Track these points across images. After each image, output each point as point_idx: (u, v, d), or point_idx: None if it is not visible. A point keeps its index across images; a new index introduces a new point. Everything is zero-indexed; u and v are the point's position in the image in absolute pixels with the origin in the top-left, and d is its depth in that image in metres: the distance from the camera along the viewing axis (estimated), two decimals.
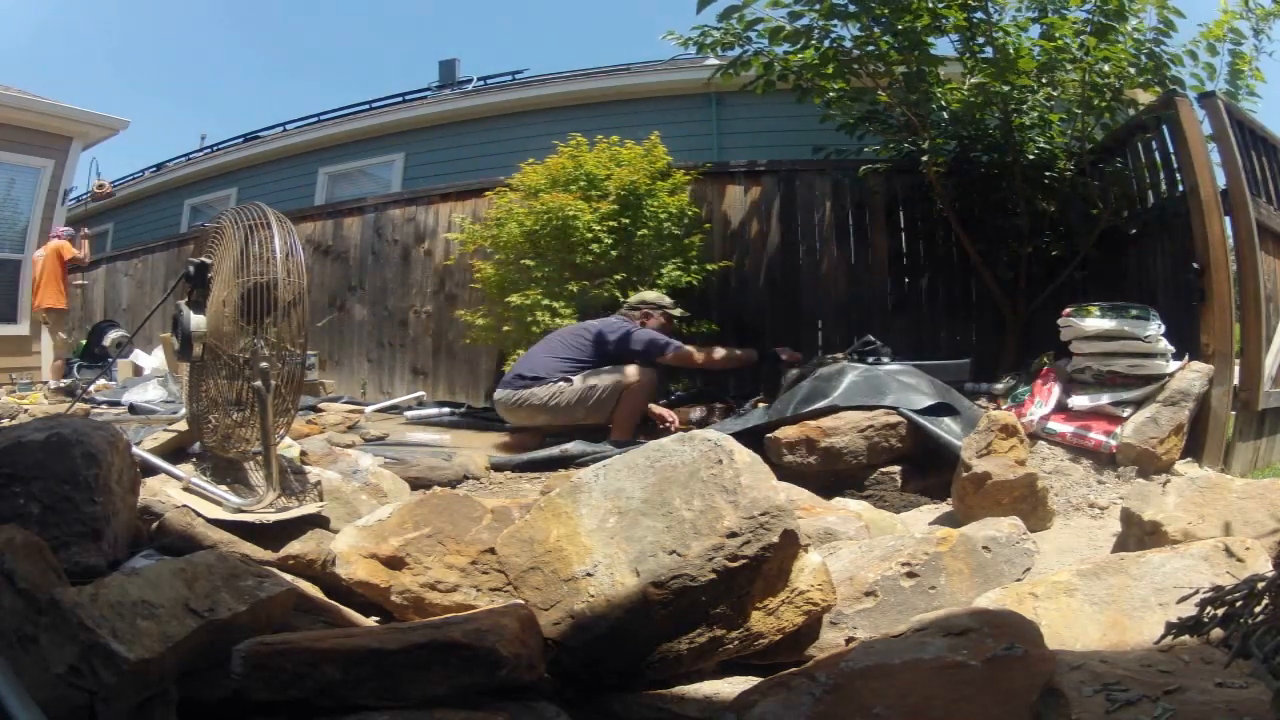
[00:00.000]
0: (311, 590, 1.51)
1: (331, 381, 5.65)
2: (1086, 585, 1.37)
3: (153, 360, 5.71)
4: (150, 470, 1.96)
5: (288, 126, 9.06)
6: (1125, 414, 2.68)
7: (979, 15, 3.66)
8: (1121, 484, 2.53)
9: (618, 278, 4.30)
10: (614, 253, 4.27)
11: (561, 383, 3.54)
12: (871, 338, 3.28)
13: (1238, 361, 2.93)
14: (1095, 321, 2.81)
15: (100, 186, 7.40)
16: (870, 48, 3.89)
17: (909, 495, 2.62)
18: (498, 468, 2.97)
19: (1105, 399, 2.73)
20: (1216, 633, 1.02)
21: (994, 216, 4.20)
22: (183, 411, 2.50)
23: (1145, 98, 3.82)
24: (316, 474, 2.11)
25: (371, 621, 1.47)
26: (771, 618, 1.26)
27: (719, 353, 3.87)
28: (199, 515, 1.70)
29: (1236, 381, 2.87)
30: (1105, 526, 2.23)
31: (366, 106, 8.62)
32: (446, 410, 4.55)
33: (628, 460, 1.38)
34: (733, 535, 1.19)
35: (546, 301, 4.21)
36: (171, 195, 9.73)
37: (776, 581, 1.27)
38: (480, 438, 3.83)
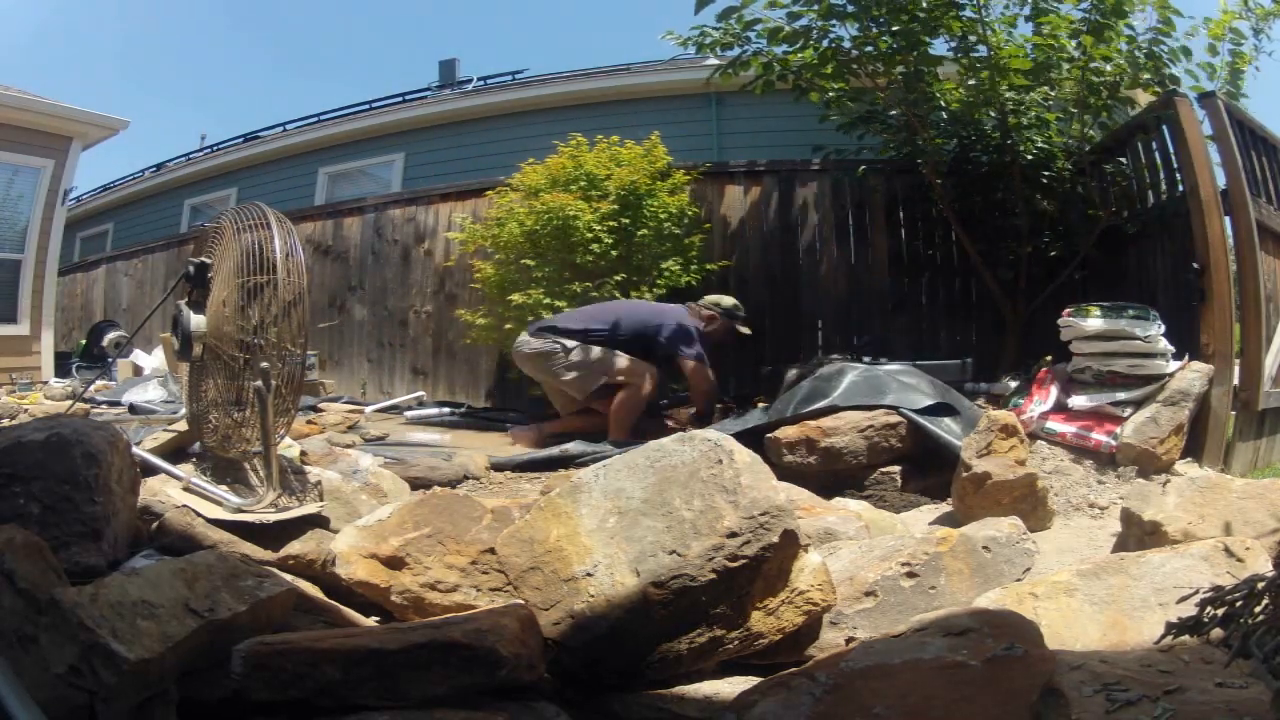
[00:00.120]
0: (311, 590, 1.51)
1: (331, 381, 5.65)
2: (1086, 585, 1.37)
3: (153, 360, 5.71)
4: (150, 470, 1.96)
5: (288, 126, 9.05)
6: (1125, 414, 2.68)
7: (968, 13, 3.66)
8: (1121, 484, 2.53)
9: (618, 278, 4.30)
10: (614, 253, 4.27)
11: (567, 341, 3.54)
12: (870, 338, 3.28)
13: (1238, 361, 2.93)
14: (1095, 321, 2.81)
15: None
16: (869, 48, 3.89)
17: (909, 495, 2.62)
18: (498, 468, 2.97)
19: (1105, 399, 2.73)
20: (1216, 633, 1.02)
21: (993, 216, 4.20)
22: (183, 411, 2.50)
23: (1144, 97, 3.82)
24: (316, 474, 2.11)
25: (371, 621, 1.47)
26: (771, 618, 1.26)
27: (708, 393, 3.76)
28: (199, 515, 1.70)
29: (1236, 381, 2.88)
30: (1105, 526, 2.23)
31: (366, 106, 8.62)
32: (446, 410, 4.55)
33: (628, 460, 1.38)
34: (733, 535, 1.19)
35: (548, 301, 4.21)
36: (171, 195, 9.73)
37: (776, 581, 1.27)
38: (480, 438, 3.84)
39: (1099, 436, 2.66)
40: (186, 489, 1.88)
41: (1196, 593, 1.08)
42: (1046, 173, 3.98)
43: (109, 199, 10.51)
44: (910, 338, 4.60)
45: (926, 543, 1.60)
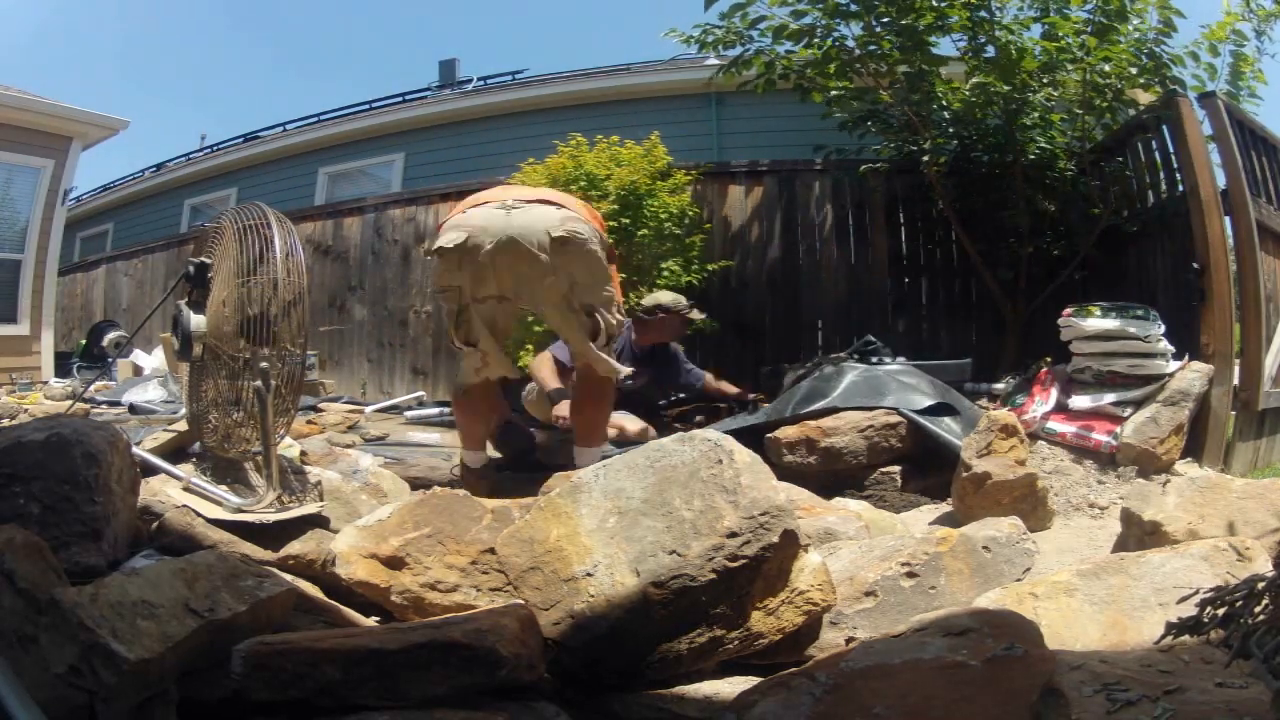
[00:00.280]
0: (311, 590, 1.51)
1: (331, 381, 5.66)
2: (1086, 585, 1.37)
3: (153, 360, 5.71)
4: (150, 470, 1.96)
5: (288, 126, 9.06)
6: (1125, 414, 2.68)
7: (982, 14, 3.66)
8: (1121, 484, 2.53)
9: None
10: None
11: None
12: (871, 338, 3.28)
13: (1238, 361, 2.93)
14: (1095, 321, 2.81)
15: None
16: (873, 47, 3.90)
17: (909, 495, 2.62)
18: (498, 468, 2.97)
19: (1105, 399, 2.73)
20: (1216, 633, 1.02)
21: (994, 216, 4.20)
22: (183, 411, 2.50)
23: (1146, 98, 3.82)
24: (316, 474, 2.10)
25: (371, 621, 1.47)
26: (771, 618, 1.26)
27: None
28: (199, 515, 1.70)
29: (1236, 381, 2.88)
30: (1105, 526, 2.23)
31: (366, 106, 8.63)
32: (446, 410, 4.55)
33: (628, 460, 1.38)
34: (733, 535, 1.19)
35: None
36: (171, 195, 9.73)
37: (776, 581, 1.27)
38: None
39: (1099, 436, 2.66)
40: (186, 489, 1.88)
41: (1197, 593, 1.08)
42: (1049, 173, 3.98)
43: (109, 199, 10.52)
44: (910, 338, 4.60)
45: (926, 543, 1.60)
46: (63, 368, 6.59)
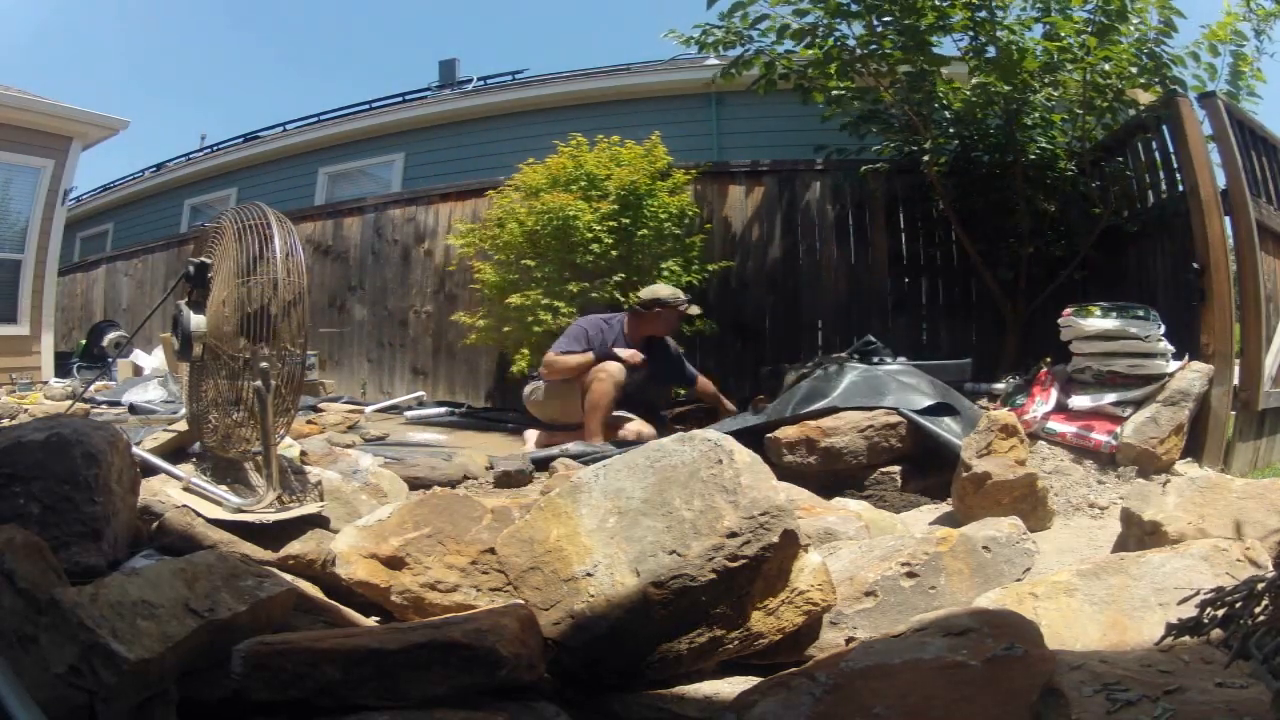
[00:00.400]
0: (311, 590, 1.51)
1: (331, 381, 5.66)
2: (1086, 585, 1.37)
3: (153, 360, 5.72)
4: (150, 470, 1.96)
5: (288, 126, 9.06)
6: (1125, 414, 2.68)
7: (982, 14, 3.66)
8: (1121, 484, 2.53)
9: (618, 278, 4.30)
10: (614, 253, 4.27)
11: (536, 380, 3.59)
12: (872, 338, 3.28)
13: (1238, 361, 2.93)
14: (1096, 321, 2.81)
15: None
16: (874, 47, 3.90)
17: (909, 495, 2.62)
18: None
19: (1105, 399, 2.73)
20: (1216, 633, 1.02)
21: (994, 216, 4.20)
22: (183, 412, 2.50)
23: (1146, 98, 3.82)
24: (316, 474, 2.11)
25: (371, 621, 1.47)
26: (771, 618, 1.26)
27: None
28: (199, 515, 1.70)
29: (1236, 381, 2.87)
30: (1105, 526, 2.23)
31: (366, 106, 8.62)
32: (446, 410, 4.56)
33: (628, 460, 1.38)
34: (733, 535, 1.19)
35: (547, 301, 4.21)
36: (171, 195, 9.73)
37: (776, 581, 1.27)
38: (480, 438, 3.84)
39: (1099, 436, 2.66)
40: (186, 489, 1.88)
41: (1197, 593, 1.08)
42: (1049, 173, 3.98)
43: (109, 199, 10.51)
44: (910, 337, 4.60)
45: (926, 543, 1.60)
46: (63, 368, 6.59)
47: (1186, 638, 1.06)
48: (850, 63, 4.03)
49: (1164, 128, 3.34)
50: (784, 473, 2.52)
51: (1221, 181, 3.00)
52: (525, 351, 4.29)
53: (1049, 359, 3.18)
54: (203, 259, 2.11)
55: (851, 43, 3.96)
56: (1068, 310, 2.93)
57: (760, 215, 5.10)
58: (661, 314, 3.64)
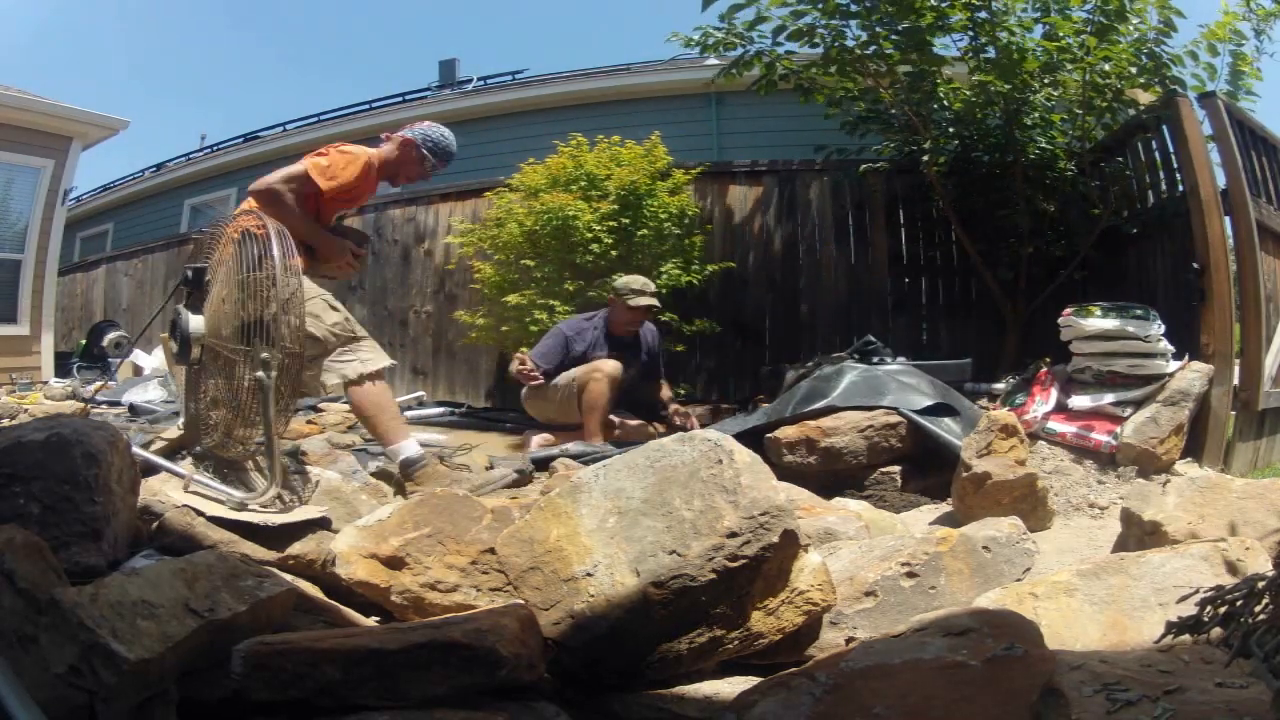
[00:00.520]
0: (311, 590, 1.51)
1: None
2: (1086, 585, 1.37)
3: (153, 360, 5.71)
4: (150, 470, 1.96)
5: (288, 126, 9.07)
6: (1125, 414, 2.68)
7: (983, 15, 3.67)
8: (1121, 484, 2.53)
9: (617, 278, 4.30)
10: (614, 253, 4.28)
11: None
12: (872, 338, 3.28)
13: (1238, 361, 2.93)
14: (1096, 321, 2.81)
15: None
16: (873, 47, 3.90)
17: (909, 495, 2.62)
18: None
19: (1105, 399, 2.73)
20: (1216, 632, 1.02)
21: (994, 216, 4.20)
22: (181, 419, 2.49)
23: (1146, 98, 3.82)
24: (316, 474, 2.11)
25: (371, 621, 1.47)
26: (771, 618, 1.26)
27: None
28: (199, 514, 1.70)
29: (1236, 381, 2.87)
30: (1105, 526, 2.23)
31: (366, 106, 8.63)
32: (446, 410, 4.56)
33: (628, 460, 1.38)
34: (733, 535, 1.19)
35: (543, 300, 4.21)
36: (171, 195, 9.74)
37: (776, 581, 1.27)
38: (480, 438, 3.84)
39: (1099, 436, 2.66)
40: (188, 488, 1.88)
41: (1196, 592, 1.08)
42: (1049, 173, 3.98)
43: (109, 199, 10.52)
44: (910, 337, 4.60)
45: (926, 543, 1.60)
46: (63, 368, 6.58)
47: (1186, 637, 1.06)
48: (849, 63, 4.03)
49: (1164, 128, 3.34)
50: (784, 473, 2.52)
51: (1221, 181, 3.00)
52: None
53: (1048, 359, 3.18)
54: (200, 264, 2.11)
55: (851, 43, 3.96)
56: (1068, 310, 2.93)
57: (760, 215, 5.10)
58: (614, 304, 3.63)
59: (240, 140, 9.45)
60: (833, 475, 2.64)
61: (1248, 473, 2.82)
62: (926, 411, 2.73)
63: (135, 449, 1.85)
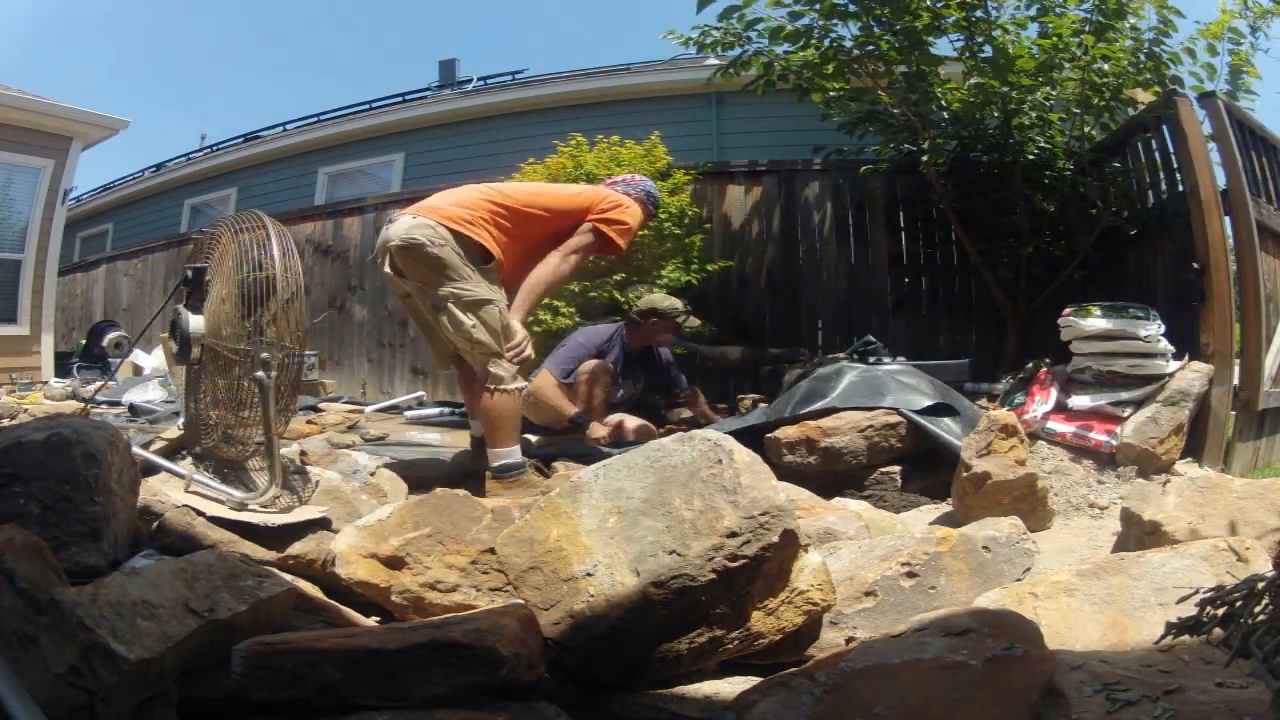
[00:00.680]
0: (311, 590, 1.51)
1: (331, 381, 5.66)
2: (1086, 585, 1.37)
3: (153, 360, 5.72)
4: (151, 470, 1.96)
5: (288, 126, 9.06)
6: (1125, 414, 2.68)
7: (978, 14, 3.67)
8: (1121, 484, 2.53)
9: (617, 278, 4.30)
10: None
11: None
12: (871, 338, 3.27)
13: (1238, 361, 2.93)
14: (1095, 321, 2.81)
15: None
16: (870, 47, 3.90)
17: (909, 495, 2.62)
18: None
19: (1105, 399, 2.73)
20: (1216, 633, 1.02)
21: (994, 216, 4.20)
22: (181, 420, 2.49)
23: (1145, 97, 3.82)
24: (316, 474, 2.11)
25: (371, 621, 1.47)
26: (771, 618, 1.26)
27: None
28: (199, 514, 1.70)
29: (1236, 381, 2.87)
30: (1105, 526, 2.23)
31: (366, 106, 8.63)
32: (447, 410, 4.55)
33: (628, 460, 1.38)
34: (733, 535, 1.19)
35: (547, 300, 4.21)
36: (171, 195, 9.74)
37: (776, 581, 1.27)
38: None
39: (1099, 436, 2.66)
40: (187, 488, 1.88)
41: (1196, 593, 1.08)
42: (1048, 173, 3.98)
43: (109, 199, 10.52)
44: (910, 337, 4.60)
45: (926, 543, 1.60)
46: (63, 368, 6.59)
47: (1186, 637, 1.06)
48: (847, 63, 4.03)
49: (1164, 127, 3.34)
50: (784, 473, 2.52)
51: (1221, 181, 3.00)
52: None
53: (1048, 359, 3.18)
54: (199, 264, 2.11)
55: (848, 43, 3.96)
56: (1067, 310, 2.93)
57: (760, 215, 5.10)
58: (657, 324, 3.60)
59: (240, 140, 9.45)
60: (833, 475, 2.64)
61: (1248, 473, 2.83)
62: (926, 411, 2.72)
63: (135, 449, 1.85)
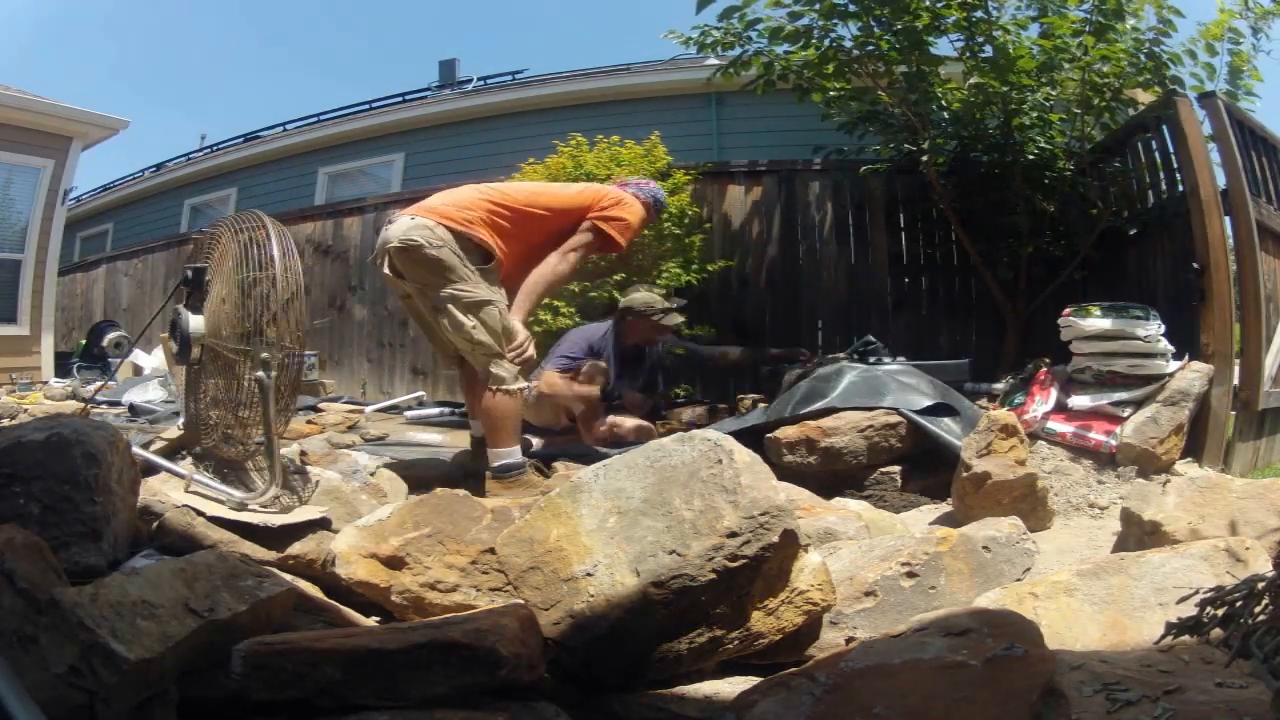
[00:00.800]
0: (311, 590, 1.51)
1: (331, 381, 5.66)
2: (1086, 585, 1.37)
3: (153, 360, 5.72)
4: (151, 470, 1.96)
5: (288, 126, 9.06)
6: (1125, 414, 2.67)
7: (979, 14, 3.67)
8: (1121, 484, 2.53)
9: (617, 277, 4.30)
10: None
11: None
12: (871, 338, 3.27)
13: (1238, 361, 2.93)
14: (1095, 321, 2.81)
15: None
16: (870, 47, 3.90)
17: (909, 495, 2.62)
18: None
19: (1105, 399, 2.73)
20: (1216, 633, 1.02)
21: (994, 216, 4.20)
22: (182, 419, 2.49)
23: (1145, 98, 3.82)
24: (316, 474, 2.11)
25: (371, 621, 1.47)
26: (771, 618, 1.26)
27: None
28: (199, 514, 1.70)
29: (1236, 381, 2.87)
30: (1105, 526, 2.23)
31: (366, 106, 8.63)
32: (447, 410, 4.55)
33: (628, 460, 1.38)
34: (733, 535, 1.19)
35: (547, 300, 4.21)
36: (171, 195, 9.74)
37: (776, 581, 1.27)
38: None
39: (1099, 436, 2.66)
40: (187, 488, 1.88)
41: (1196, 593, 1.08)
42: (1048, 173, 3.98)
43: (109, 199, 10.52)
44: (910, 337, 4.60)
45: (926, 543, 1.60)
46: (63, 368, 6.59)
47: (1186, 637, 1.06)
48: (847, 63, 4.03)
49: (1164, 128, 3.34)
50: (784, 473, 2.52)
51: (1221, 181, 3.00)
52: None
53: (1048, 359, 3.18)
54: (199, 264, 2.11)
55: (848, 43, 3.96)
56: (1067, 310, 2.93)
57: (760, 215, 5.10)
58: (634, 323, 3.55)
59: (240, 140, 9.45)
60: (833, 475, 2.64)
61: (1248, 473, 2.82)
62: (926, 411, 2.72)
63: (135, 449, 1.85)
